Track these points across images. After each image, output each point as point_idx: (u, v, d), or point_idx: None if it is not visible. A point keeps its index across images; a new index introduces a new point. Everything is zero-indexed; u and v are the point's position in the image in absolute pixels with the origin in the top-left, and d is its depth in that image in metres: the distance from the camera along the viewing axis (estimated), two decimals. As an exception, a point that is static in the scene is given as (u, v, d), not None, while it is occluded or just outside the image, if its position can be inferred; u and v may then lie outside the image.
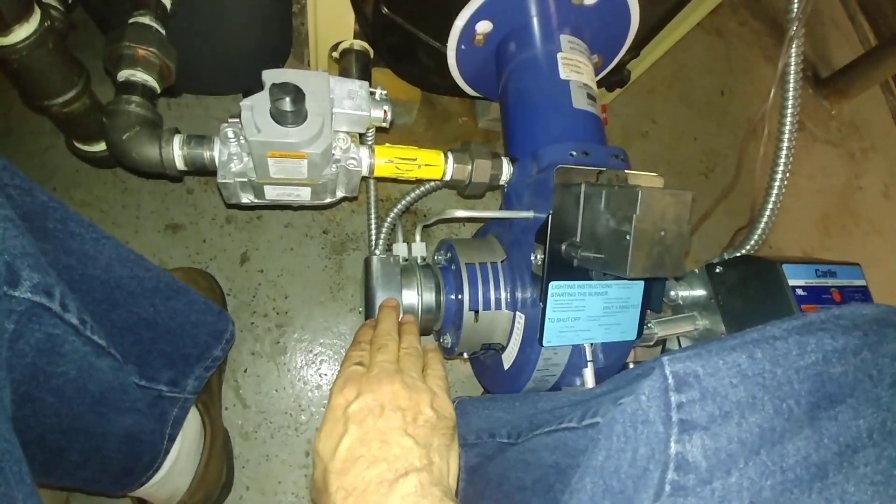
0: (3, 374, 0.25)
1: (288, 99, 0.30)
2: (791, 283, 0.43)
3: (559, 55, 0.50)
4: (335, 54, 0.65)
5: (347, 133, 0.40)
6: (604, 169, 0.44)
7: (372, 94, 0.41)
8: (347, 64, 0.63)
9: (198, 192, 0.73)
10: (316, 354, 0.71)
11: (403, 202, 0.55)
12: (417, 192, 0.55)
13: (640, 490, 0.26)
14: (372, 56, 0.65)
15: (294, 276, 0.73)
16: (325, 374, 0.70)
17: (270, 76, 0.33)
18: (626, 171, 0.45)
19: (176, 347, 0.46)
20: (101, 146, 0.52)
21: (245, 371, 0.68)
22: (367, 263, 0.50)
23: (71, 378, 0.33)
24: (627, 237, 0.37)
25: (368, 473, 0.30)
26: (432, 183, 0.56)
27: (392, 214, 0.55)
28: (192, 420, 0.52)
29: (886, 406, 0.25)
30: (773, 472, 0.24)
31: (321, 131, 0.34)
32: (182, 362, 0.47)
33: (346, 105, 0.37)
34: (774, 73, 0.51)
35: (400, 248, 0.54)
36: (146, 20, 0.42)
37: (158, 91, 0.43)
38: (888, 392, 0.25)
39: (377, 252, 0.52)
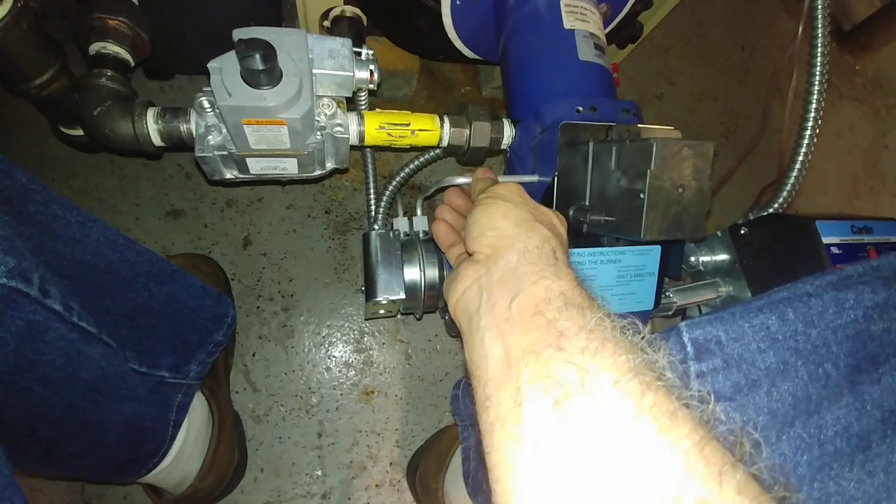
0: None
1: (257, 56, 0.27)
2: (825, 240, 0.39)
3: (562, 2, 0.46)
4: (326, 23, 0.62)
5: (333, 98, 0.37)
6: (613, 124, 0.40)
7: (357, 53, 0.38)
8: (339, 32, 0.60)
9: (196, 176, 0.71)
10: (324, 337, 0.70)
11: (403, 174, 0.52)
12: (417, 162, 0.52)
13: None
14: (365, 23, 0.62)
15: (298, 258, 0.71)
16: (334, 357, 0.69)
17: (240, 34, 0.30)
18: (639, 125, 0.41)
19: (176, 333, 0.45)
20: (87, 129, 0.50)
21: (253, 355, 0.67)
22: (366, 240, 0.48)
23: (58, 366, 0.32)
24: (641, 196, 0.33)
25: None
26: (432, 152, 0.53)
27: (391, 187, 0.52)
28: (198, 406, 0.52)
29: None
30: (810, 445, 0.21)
31: (299, 93, 0.31)
32: (183, 348, 0.46)
33: (327, 65, 0.35)
34: (797, 26, 0.46)
35: (400, 223, 0.51)
36: (116, -11, 0.39)
37: (132, 64, 0.41)
38: None
39: (376, 227, 0.50)
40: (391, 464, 0.68)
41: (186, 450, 0.49)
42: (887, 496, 0.21)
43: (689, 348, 0.24)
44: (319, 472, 0.66)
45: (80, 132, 0.50)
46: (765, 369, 0.23)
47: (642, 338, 0.21)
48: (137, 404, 0.39)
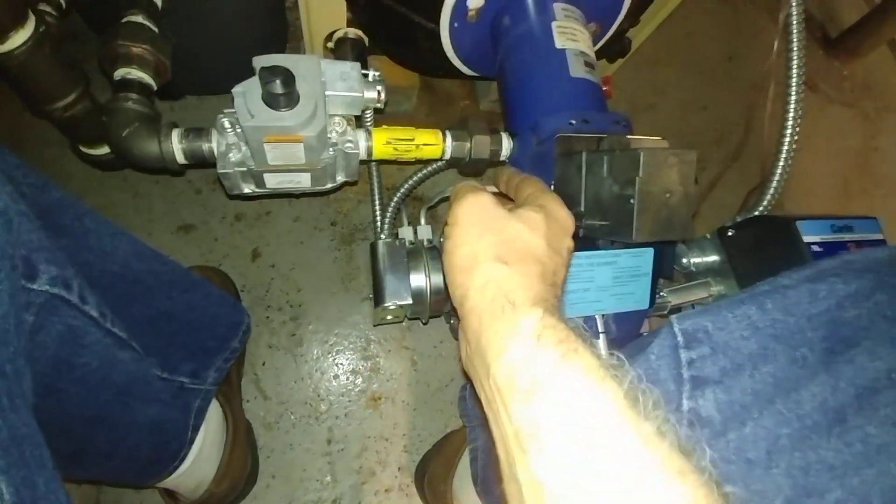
0: (23, 363, 0.26)
1: (278, 81, 0.30)
2: (806, 239, 0.42)
3: (554, 24, 0.49)
4: (330, 44, 0.65)
5: (343, 116, 0.40)
6: (604, 135, 0.43)
7: (365, 75, 0.41)
8: (343, 53, 0.63)
9: (206, 192, 0.74)
10: (332, 345, 0.72)
11: (407, 185, 0.55)
12: (420, 174, 0.55)
13: None
14: (367, 43, 0.65)
15: (305, 268, 0.73)
16: (342, 364, 0.71)
17: (260, 62, 0.33)
18: (629, 135, 0.44)
19: (195, 340, 0.47)
20: (105, 149, 0.53)
21: (263, 364, 0.69)
22: (373, 248, 0.50)
23: (94, 368, 0.34)
24: (631, 201, 0.36)
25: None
26: (435, 164, 0.55)
27: (396, 198, 0.55)
28: (215, 412, 0.54)
29: None
30: (790, 419, 0.23)
31: (315, 113, 0.34)
32: (202, 354, 0.48)
33: (338, 87, 0.37)
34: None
35: (406, 232, 0.54)
36: (138, 18, 0.42)
37: (155, 87, 0.44)
38: None
39: (383, 236, 0.53)
40: (400, 468, 0.69)
41: (204, 454, 0.50)
42: (867, 464, 0.23)
43: (680, 338, 0.26)
44: (329, 478, 0.67)
45: (100, 151, 0.53)
46: (748, 354, 0.25)
47: (624, 376, 0.21)
48: (162, 407, 0.41)
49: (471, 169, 0.50)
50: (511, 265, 0.27)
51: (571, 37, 0.48)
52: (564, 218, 0.32)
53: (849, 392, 0.24)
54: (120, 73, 0.42)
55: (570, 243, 0.31)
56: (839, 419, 0.23)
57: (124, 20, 0.42)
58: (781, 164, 0.46)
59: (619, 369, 0.22)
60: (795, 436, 0.23)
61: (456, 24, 0.55)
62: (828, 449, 0.23)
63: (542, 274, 0.27)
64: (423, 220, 0.54)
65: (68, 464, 0.37)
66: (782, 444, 0.23)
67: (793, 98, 0.47)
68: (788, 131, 0.46)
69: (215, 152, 0.38)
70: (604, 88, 0.55)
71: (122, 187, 0.72)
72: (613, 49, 0.69)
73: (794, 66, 0.48)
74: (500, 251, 0.27)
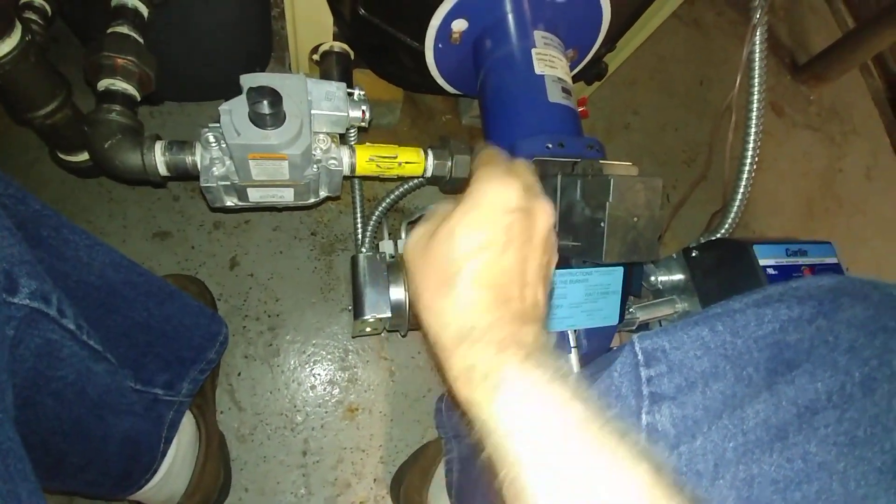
0: (5, 377, 0.26)
1: (265, 102, 0.31)
2: (762, 262, 0.45)
3: (533, 51, 0.51)
4: (316, 57, 0.66)
5: (328, 134, 0.41)
6: (579, 159, 0.45)
7: (350, 94, 0.42)
8: (328, 66, 0.64)
9: (184, 198, 0.73)
10: (309, 355, 0.72)
11: (388, 200, 0.56)
12: (401, 189, 0.56)
13: None
14: (352, 57, 0.66)
15: (284, 278, 0.73)
16: (319, 375, 0.71)
17: (247, 81, 0.34)
18: (601, 160, 0.46)
19: (170, 351, 0.47)
20: (84, 156, 0.52)
21: (239, 374, 0.68)
22: (354, 262, 0.51)
23: (70, 382, 0.33)
24: (602, 224, 0.38)
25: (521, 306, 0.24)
26: (415, 180, 0.57)
27: (377, 212, 0.56)
28: (188, 424, 0.53)
29: (845, 370, 0.27)
30: (735, 434, 0.25)
31: (300, 132, 0.35)
32: (177, 365, 0.48)
33: (324, 106, 0.38)
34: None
35: (386, 246, 0.55)
36: (124, 29, 0.43)
37: (138, 99, 0.44)
38: (845, 356, 0.27)
39: (364, 250, 0.54)
40: (375, 480, 0.69)
41: (175, 467, 0.50)
42: (807, 480, 0.25)
43: (640, 356, 0.28)
44: (304, 491, 0.67)
45: (78, 159, 0.52)
46: (700, 372, 0.27)
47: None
48: (135, 419, 0.41)
49: (451, 187, 0.51)
50: (430, 307, 0.24)
51: (550, 64, 0.51)
52: (495, 192, 0.24)
53: (790, 411, 0.26)
54: (104, 84, 0.42)
55: (508, 219, 0.24)
56: (781, 436, 0.25)
57: (110, 31, 0.43)
58: (741, 191, 0.49)
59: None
60: (740, 449, 0.25)
61: (440, 45, 0.57)
62: (770, 464, 0.25)
63: (456, 300, 0.23)
64: (403, 234, 0.55)
65: (45, 476, 0.37)
66: (728, 458, 0.25)
67: (752, 129, 0.51)
68: (748, 160, 0.49)
69: (199, 166, 0.39)
70: (579, 109, 0.57)
71: (97, 193, 0.71)
72: (591, 73, 0.72)
73: (755, 101, 0.51)
74: (426, 299, 0.24)
